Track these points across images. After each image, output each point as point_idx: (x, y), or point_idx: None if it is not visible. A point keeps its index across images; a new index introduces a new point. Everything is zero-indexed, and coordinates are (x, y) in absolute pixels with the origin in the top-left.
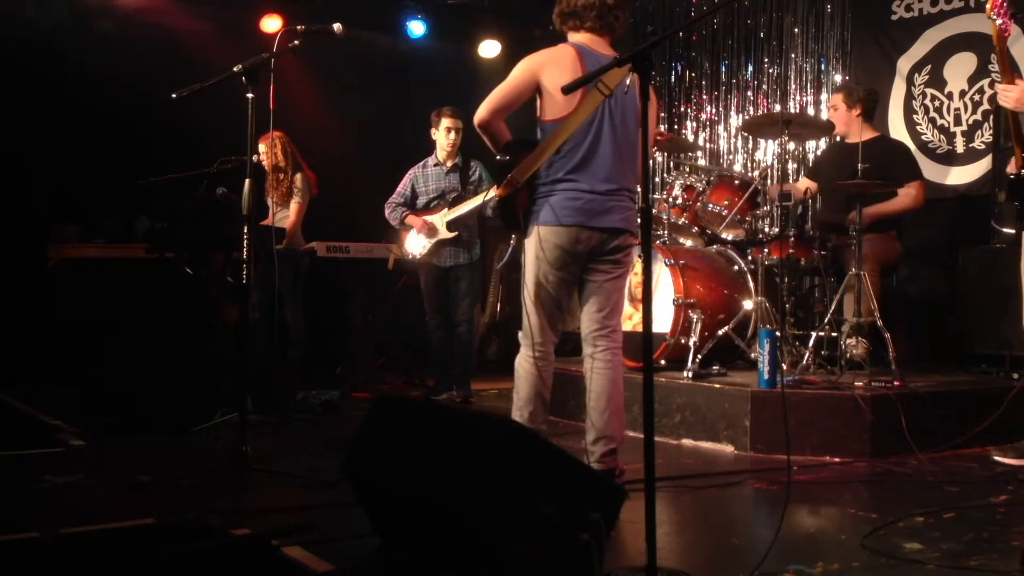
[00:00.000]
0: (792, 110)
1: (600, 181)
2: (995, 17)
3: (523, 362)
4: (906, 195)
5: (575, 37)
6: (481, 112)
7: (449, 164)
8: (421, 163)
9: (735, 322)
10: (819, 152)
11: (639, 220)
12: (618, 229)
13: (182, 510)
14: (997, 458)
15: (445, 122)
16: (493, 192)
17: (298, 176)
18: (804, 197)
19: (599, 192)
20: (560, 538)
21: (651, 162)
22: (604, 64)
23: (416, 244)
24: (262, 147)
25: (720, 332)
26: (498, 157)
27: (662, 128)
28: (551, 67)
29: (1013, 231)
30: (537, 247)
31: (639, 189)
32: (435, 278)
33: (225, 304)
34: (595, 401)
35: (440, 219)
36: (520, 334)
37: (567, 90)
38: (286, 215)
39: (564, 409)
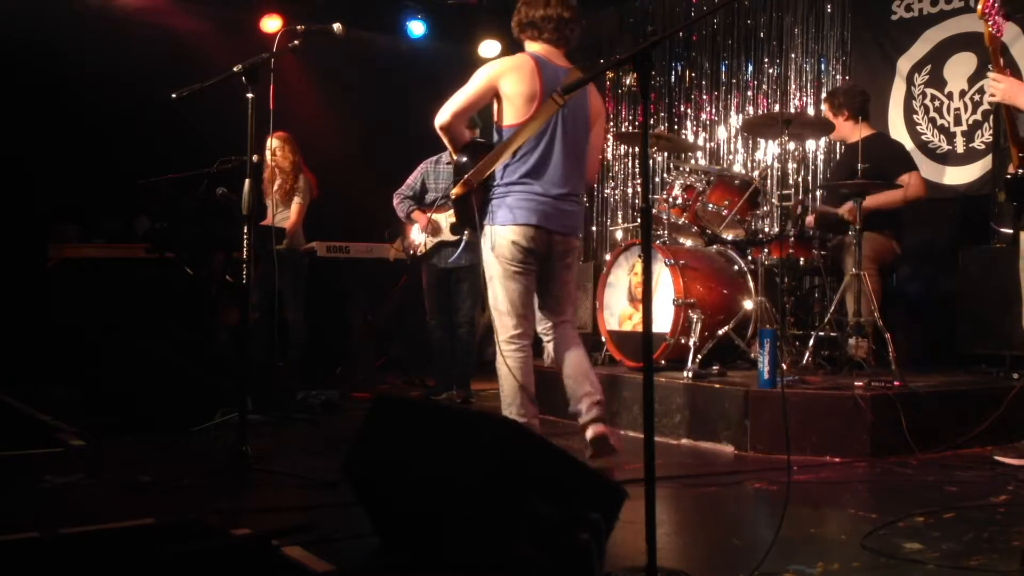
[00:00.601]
0: (792, 110)
1: (553, 185)
2: (986, 18)
3: (500, 360)
4: (904, 185)
5: (532, 47)
6: (443, 116)
7: None
8: (435, 158)
9: (735, 322)
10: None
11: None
12: (567, 232)
13: (182, 510)
14: (997, 458)
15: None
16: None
17: (300, 176)
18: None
19: (552, 196)
20: (560, 538)
21: (651, 162)
22: (605, 64)
23: (420, 237)
24: (275, 142)
25: (720, 332)
26: (454, 158)
27: (662, 128)
28: (510, 75)
29: (1011, 231)
30: (495, 245)
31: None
32: (436, 278)
33: (225, 304)
34: (572, 368)
35: (445, 219)
36: (495, 329)
37: (566, 90)
38: (286, 215)
39: (564, 409)
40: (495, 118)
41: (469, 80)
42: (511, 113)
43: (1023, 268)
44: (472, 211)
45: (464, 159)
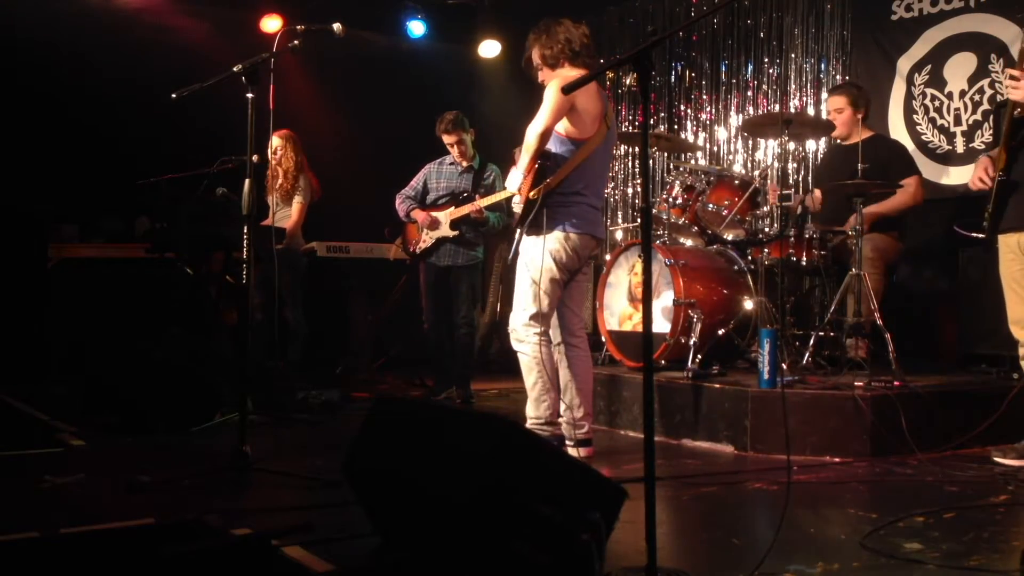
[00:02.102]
0: (792, 110)
1: (597, 198)
2: None
3: (540, 348)
4: (904, 192)
5: (575, 72)
6: (546, 124)
7: (464, 164)
8: (439, 160)
9: (735, 322)
10: (820, 159)
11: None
12: (601, 238)
13: (182, 510)
14: (997, 458)
15: (444, 138)
16: (507, 193)
17: (301, 176)
18: (817, 208)
19: (596, 207)
20: (560, 538)
21: (651, 162)
22: (605, 64)
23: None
24: (277, 141)
25: (720, 332)
26: (537, 163)
27: (662, 128)
28: (583, 93)
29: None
30: (557, 248)
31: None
32: (434, 276)
33: (225, 304)
34: (580, 383)
35: (445, 216)
36: (525, 325)
37: (568, 90)
38: (287, 215)
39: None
40: (562, 130)
41: (549, 93)
42: (581, 128)
43: (1003, 272)
44: (541, 214)
45: (547, 163)
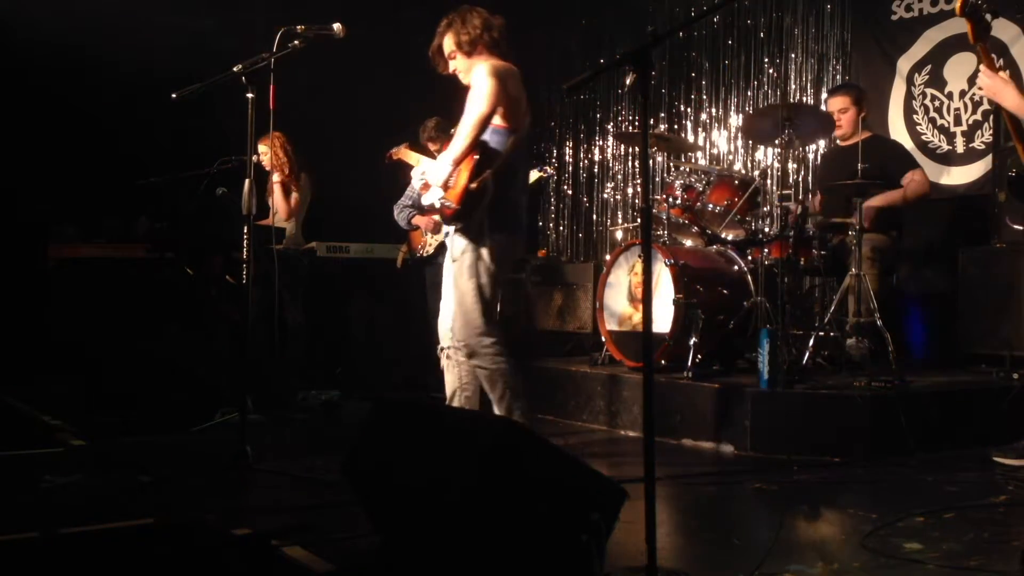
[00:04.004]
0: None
1: (522, 193)
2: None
3: (497, 358)
4: (913, 182)
5: (497, 60)
6: (490, 107)
7: None
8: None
9: (735, 322)
10: (819, 161)
11: None
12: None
13: (182, 510)
14: (997, 458)
15: (429, 146)
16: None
17: (298, 175)
18: (817, 210)
19: (522, 204)
20: (560, 538)
21: (651, 162)
22: (605, 64)
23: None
24: (262, 147)
25: (720, 332)
26: (472, 154)
27: (662, 128)
28: (511, 80)
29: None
30: (495, 250)
31: None
32: (438, 277)
33: (225, 304)
34: (470, 392)
35: None
36: (476, 336)
37: (570, 90)
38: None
39: (564, 409)
40: (498, 120)
41: (480, 77)
42: (514, 117)
43: None
44: (480, 209)
45: (483, 155)
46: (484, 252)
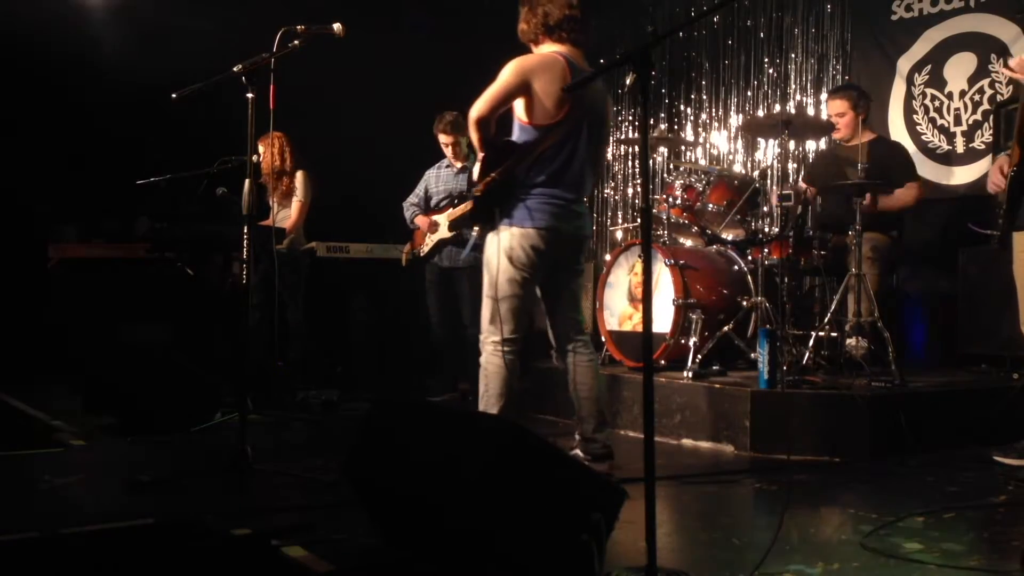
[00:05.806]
0: (792, 110)
1: (571, 190)
2: None
3: (492, 357)
4: (907, 191)
5: (555, 48)
6: (480, 109)
7: (459, 165)
8: (436, 164)
9: (735, 322)
10: (812, 157)
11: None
12: (583, 237)
13: (182, 510)
14: (997, 458)
15: (440, 137)
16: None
17: (299, 175)
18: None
19: (569, 199)
20: (560, 538)
21: (651, 162)
22: (605, 64)
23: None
24: (261, 148)
25: (720, 332)
26: (480, 155)
27: (662, 127)
28: (543, 73)
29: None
30: (508, 246)
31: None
32: (437, 276)
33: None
34: (588, 392)
35: (444, 218)
36: (484, 331)
37: (569, 89)
38: (287, 215)
39: (564, 409)
40: (522, 116)
41: (500, 74)
42: (541, 113)
43: (1017, 270)
44: (493, 210)
45: (490, 156)
46: (499, 250)
